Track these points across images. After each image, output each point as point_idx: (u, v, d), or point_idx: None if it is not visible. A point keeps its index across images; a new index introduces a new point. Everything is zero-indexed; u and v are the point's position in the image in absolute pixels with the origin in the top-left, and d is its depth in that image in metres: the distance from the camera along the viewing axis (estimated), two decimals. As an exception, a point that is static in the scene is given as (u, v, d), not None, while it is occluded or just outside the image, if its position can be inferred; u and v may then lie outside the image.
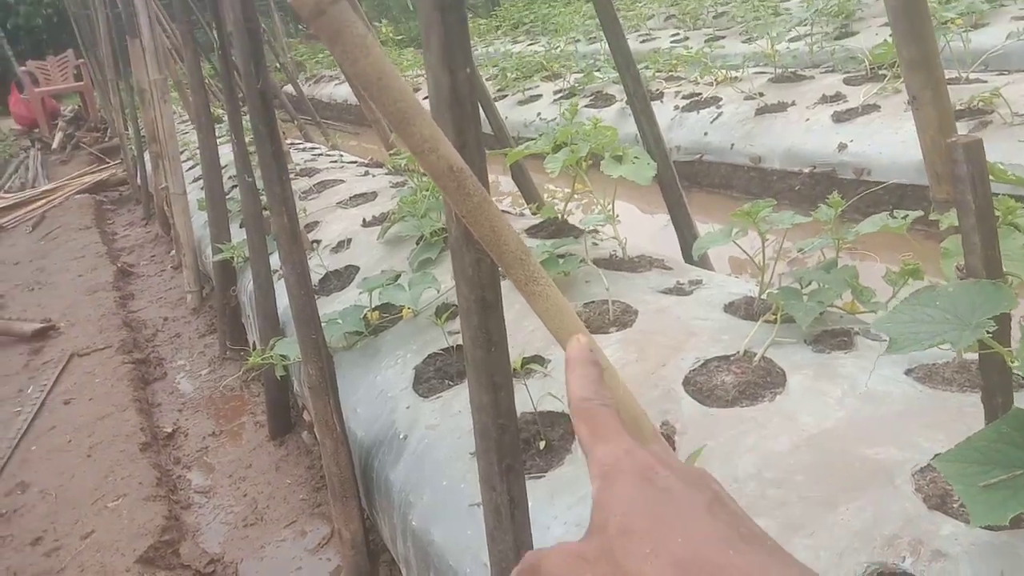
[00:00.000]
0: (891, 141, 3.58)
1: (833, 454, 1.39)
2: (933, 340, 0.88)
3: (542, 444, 1.69)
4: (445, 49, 0.91)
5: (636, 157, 2.21)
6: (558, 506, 1.51)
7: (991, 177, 1.13)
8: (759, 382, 1.63)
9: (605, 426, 0.51)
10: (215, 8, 2.61)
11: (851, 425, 1.44)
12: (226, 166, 3.97)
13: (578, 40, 9.02)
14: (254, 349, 3.17)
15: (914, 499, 1.24)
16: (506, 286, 1.14)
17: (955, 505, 1.21)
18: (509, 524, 1.11)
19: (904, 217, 1.62)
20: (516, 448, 1.09)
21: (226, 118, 6.19)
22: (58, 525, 2.48)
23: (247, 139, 2.80)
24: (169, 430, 3.16)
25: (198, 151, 5.73)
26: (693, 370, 1.73)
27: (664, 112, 4.89)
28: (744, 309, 1.97)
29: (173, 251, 5.40)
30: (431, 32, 0.91)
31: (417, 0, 0.95)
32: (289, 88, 8.90)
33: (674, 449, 1.48)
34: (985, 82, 3.66)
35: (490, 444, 1.07)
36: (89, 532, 2.41)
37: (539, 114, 5.88)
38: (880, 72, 4.26)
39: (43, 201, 7.79)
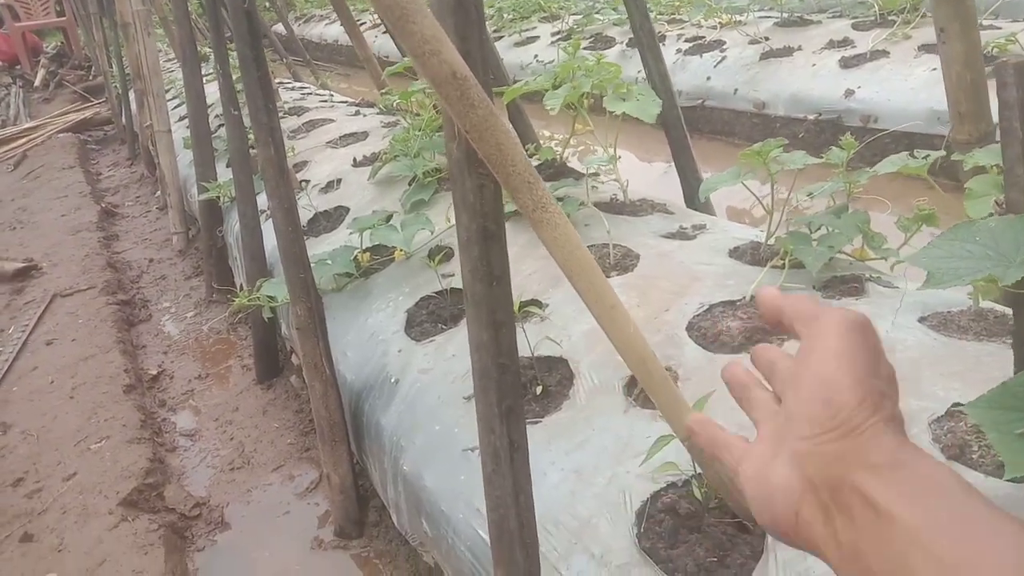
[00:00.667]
0: (900, 88, 3.48)
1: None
2: (975, 275, 0.81)
3: (539, 389, 1.63)
4: (448, -56, 0.81)
5: (641, 94, 2.11)
6: (555, 451, 1.46)
7: None
8: (766, 328, 1.57)
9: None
10: (198, -71, 2.46)
11: (863, 373, 1.38)
12: (212, 104, 3.83)
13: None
14: (241, 291, 3.09)
15: (932, 449, 1.18)
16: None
17: (975, 456, 1.15)
18: (508, 468, 1.04)
19: (925, 157, 1.54)
20: (517, 389, 1.02)
21: (212, 54, 6.00)
22: (40, 466, 2.42)
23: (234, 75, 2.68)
24: (154, 372, 3.09)
25: (183, 89, 5.58)
26: (697, 315, 1.66)
27: (666, 56, 4.73)
28: (750, 254, 1.90)
29: (158, 192, 5.26)
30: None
31: None
32: (279, 27, 8.65)
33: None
34: (1000, 28, 3.55)
35: (490, 384, 1.00)
36: (72, 474, 2.35)
37: (536, 56, 5.73)
38: (890, 18, 4.13)
39: (25, 139, 7.58)
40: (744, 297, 1.68)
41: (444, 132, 0.92)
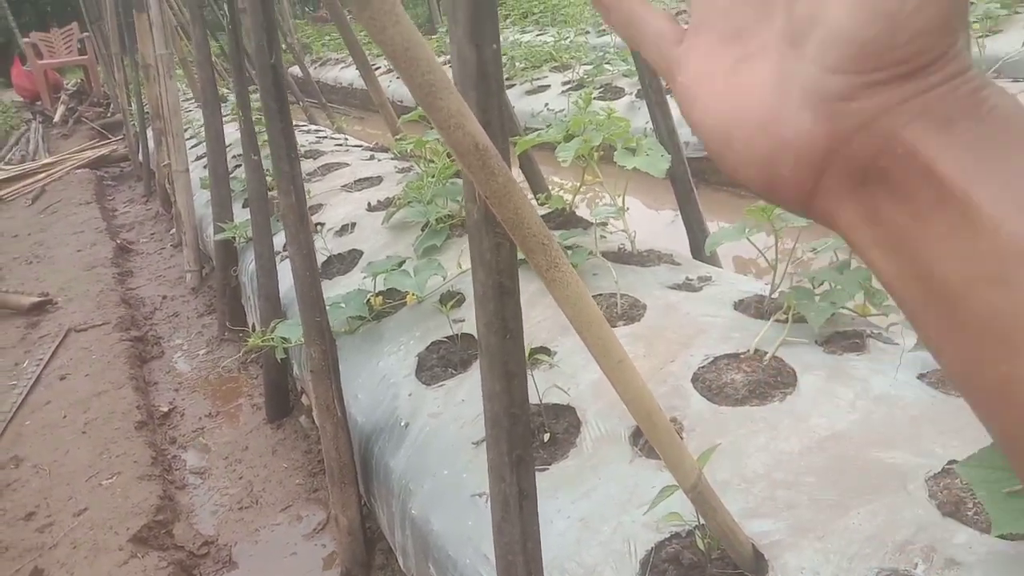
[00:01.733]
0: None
1: (845, 457, 1.36)
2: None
3: (546, 436, 1.66)
4: (473, 22, 0.88)
5: (650, 149, 2.18)
6: (561, 500, 1.49)
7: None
8: (769, 381, 1.61)
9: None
10: (226, -17, 2.57)
11: (863, 428, 1.42)
12: (229, 145, 3.93)
13: (587, 32, 8.96)
14: (253, 330, 3.14)
15: (928, 505, 1.21)
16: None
17: (970, 513, 1.18)
18: (517, 516, 1.08)
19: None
20: (527, 439, 1.06)
21: (231, 96, 6.12)
22: (51, 501, 2.45)
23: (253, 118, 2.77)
24: (165, 409, 3.13)
25: (201, 129, 5.70)
26: (702, 367, 1.70)
27: (671, 108, 4.84)
28: (754, 307, 1.95)
29: (173, 229, 5.35)
30: (459, 4, 0.88)
31: (445, -27, 0.92)
32: (295, 70, 8.84)
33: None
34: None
35: (501, 433, 1.05)
36: (82, 509, 2.38)
37: (547, 104, 5.84)
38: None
39: (43, 174, 7.73)
40: (748, 350, 1.72)
41: (464, 194, 0.98)
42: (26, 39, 13.15)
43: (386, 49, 0.70)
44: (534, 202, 3.20)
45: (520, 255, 0.96)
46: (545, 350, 1.93)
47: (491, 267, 0.97)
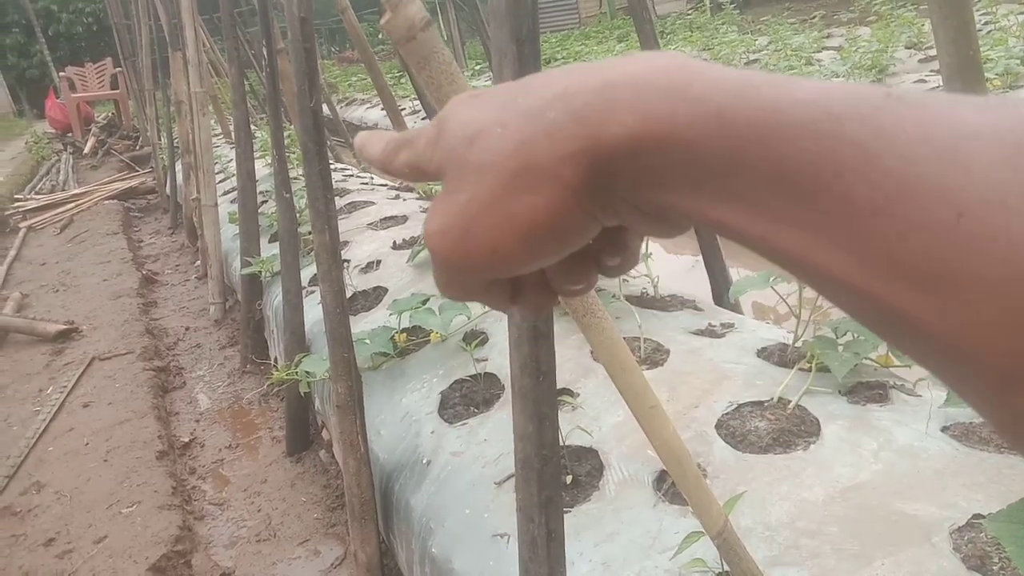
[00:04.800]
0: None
1: (869, 507, 1.37)
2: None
3: (569, 479, 1.67)
4: (520, 77, 0.92)
5: (674, 197, 2.21)
6: (584, 542, 1.50)
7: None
8: (793, 430, 1.62)
9: (411, 132, 0.39)
10: (265, 26, 2.66)
11: (887, 479, 1.43)
12: (257, 181, 4.01)
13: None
14: (276, 364, 3.18)
15: (952, 558, 1.21)
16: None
17: (996, 567, 1.18)
18: (544, 557, 1.10)
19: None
20: (557, 480, 1.08)
21: (258, 133, 6.24)
22: (72, 527, 2.47)
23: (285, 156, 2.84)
24: (186, 440, 3.16)
25: (229, 165, 5.82)
26: (726, 413, 1.72)
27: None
28: (778, 355, 1.96)
29: (198, 262, 5.44)
30: (505, 62, 0.92)
31: (492, 30, 0.96)
32: (323, 109, 9.02)
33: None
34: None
35: (531, 475, 1.07)
36: (102, 537, 2.40)
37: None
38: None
39: (72, 205, 7.89)
40: (771, 398, 1.73)
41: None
42: (61, 73, 13.51)
43: (441, 106, 0.74)
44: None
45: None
46: (568, 391, 1.95)
47: (527, 310, 1.00)
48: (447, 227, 0.33)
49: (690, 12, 14.72)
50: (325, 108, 8.50)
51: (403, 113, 5.45)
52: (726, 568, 1.27)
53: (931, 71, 6.17)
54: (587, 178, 0.30)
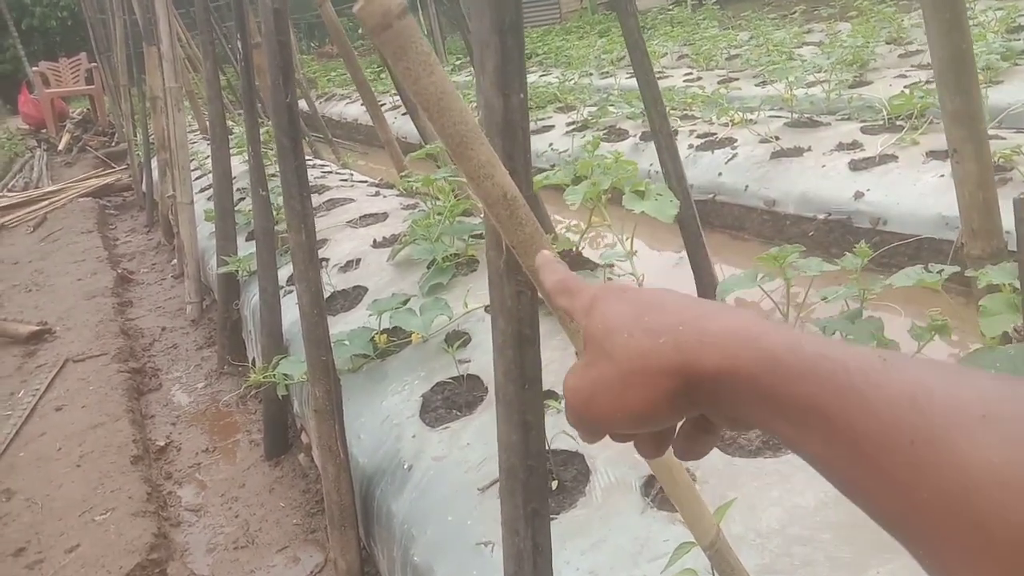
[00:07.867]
0: (909, 192, 3.56)
1: (861, 513, 1.33)
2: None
3: (554, 485, 1.63)
4: (500, 72, 0.87)
5: (659, 194, 2.18)
6: (570, 550, 1.46)
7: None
8: (782, 432, 1.59)
9: (576, 285, 0.60)
10: (240, 20, 2.59)
11: (880, 483, 1.39)
12: (234, 178, 3.93)
13: (591, 74, 9.05)
14: (254, 365, 3.11)
15: None
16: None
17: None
18: (531, 571, 1.05)
19: (940, 272, 1.59)
20: (544, 491, 1.04)
21: (235, 129, 6.15)
22: (43, 536, 2.40)
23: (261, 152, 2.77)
24: (162, 444, 3.08)
25: (205, 161, 5.72)
26: (714, 416, 1.68)
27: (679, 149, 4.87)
28: (765, 355, 1.93)
29: (174, 260, 5.34)
30: (487, 54, 0.88)
31: (474, 21, 0.91)
32: (301, 104, 8.92)
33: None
34: (1004, 139, 3.65)
35: (516, 485, 1.02)
36: (74, 546, 2.33)
37: (551, 145, 5.87)
38: (898, 123, 4.25)
39: (46, 202, 7.74)
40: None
41: (487, 241, 0.96)
42: (35, 68, 13.29)
43: (420, 99, 0.69)
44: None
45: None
46: (553, 395, 1.90)
47: (512, 315, 0.96)
48: (579, 389, 0.49)
49: (671, 8, 14.72)
50: (303, 103, 8.40)
51: (383, 108, 5.37)
52: (718, 579, 1.23)
53: (912, 66, 6.18)
54: (679, 389, 0.44)
